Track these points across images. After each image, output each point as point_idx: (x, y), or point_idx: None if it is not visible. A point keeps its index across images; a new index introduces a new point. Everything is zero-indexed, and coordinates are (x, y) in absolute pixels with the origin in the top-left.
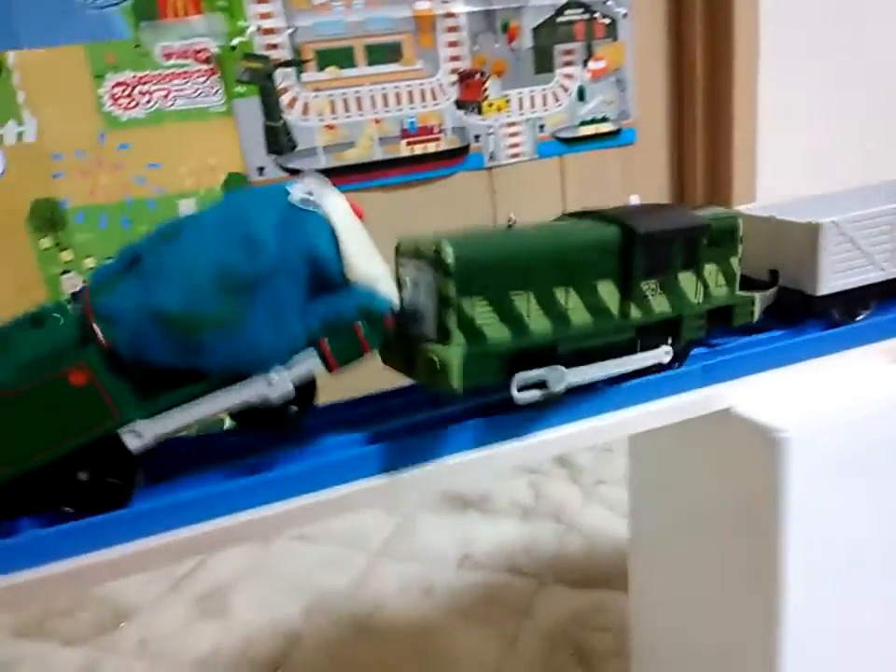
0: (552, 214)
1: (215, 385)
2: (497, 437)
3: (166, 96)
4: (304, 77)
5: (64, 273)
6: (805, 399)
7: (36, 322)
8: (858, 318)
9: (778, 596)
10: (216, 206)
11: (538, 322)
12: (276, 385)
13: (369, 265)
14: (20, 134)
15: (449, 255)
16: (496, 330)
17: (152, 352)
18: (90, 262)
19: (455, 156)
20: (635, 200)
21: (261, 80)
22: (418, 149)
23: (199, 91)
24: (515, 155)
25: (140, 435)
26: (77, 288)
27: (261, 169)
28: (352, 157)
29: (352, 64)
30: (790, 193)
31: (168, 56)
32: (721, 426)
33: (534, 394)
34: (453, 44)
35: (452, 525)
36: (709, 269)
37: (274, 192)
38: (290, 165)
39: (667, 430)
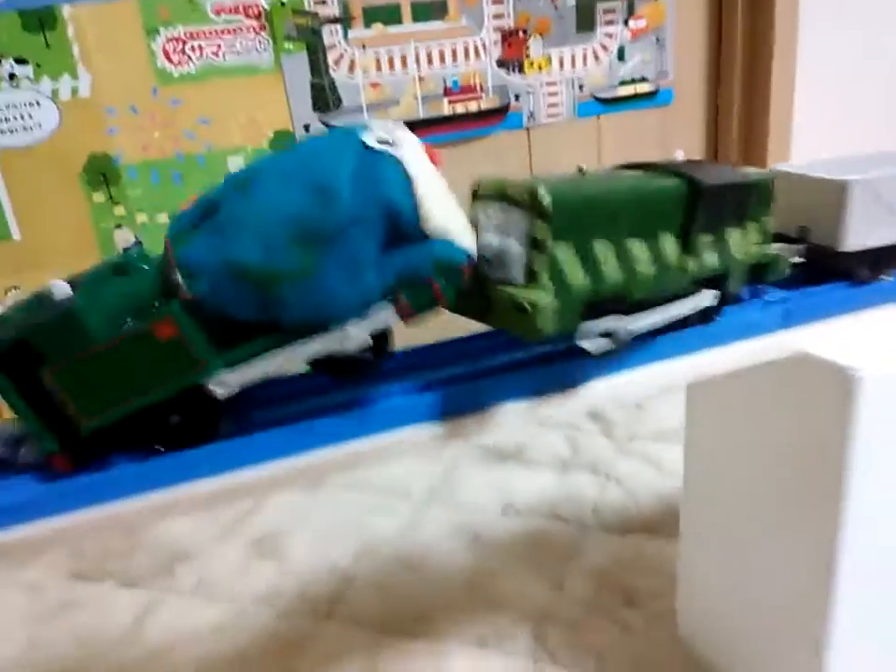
0: None
1: (293, 335)
2: (557, 385)
3: (217, 52)
4: (351, 33)
5: (117, 227)
6: (877, 344)
7: (120, 271)
8: (885, 277)
9: (838, 536)
10: (290, 152)
11: (612, 270)
12: (353, 336)
13: (446, 215)
14: (74, 89)
15: (546, 199)
16: (577, 276)
17: (232, 305)
18: (142, 217)
19: (496, 115)
20: (680, 155)
21: (309, 36)
22: (459, 108)
23: (248, 48)
24: (554, 115)
25: (226, 384)
26: (131, 242)
27: (307, 126)
28: (395, 115)
29: (398, 21)
30: (826, 153)
31: (219, 12)
32: (794, 369)
33: (602, 343)
34: (497, 1)
35: (492, 476)
36: (751, 227)
37: (349, 136)
38: (335, 123)
39: (731, 377)
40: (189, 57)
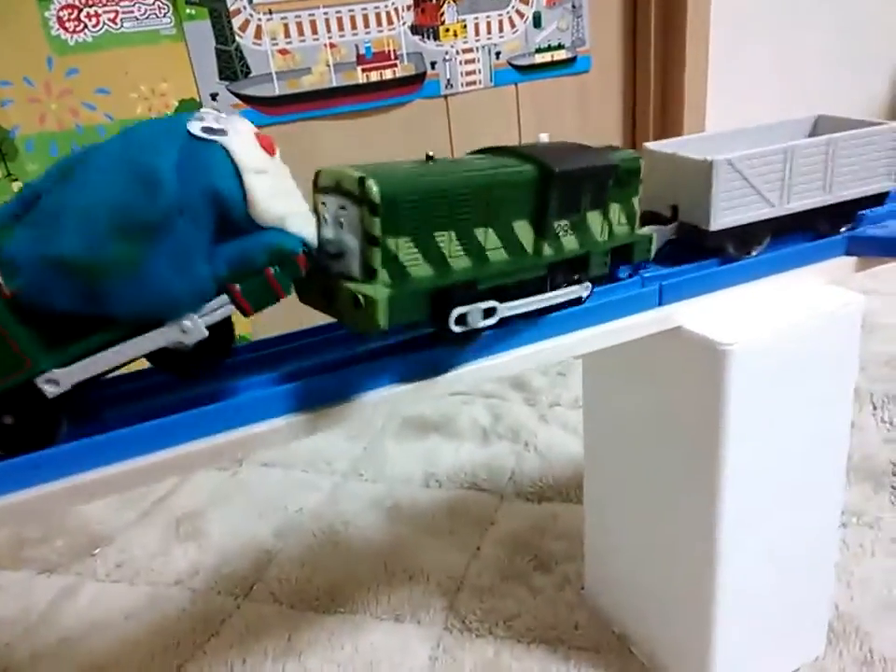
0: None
1: (128, 331)
2: (421, 372)
3: (114, 19)
4: None
5: None
6: (745, 318)
7: None
8: (752, 253)
9: (717, 496)
10: (113, 140)
11: (459, 261)
12: (189, 330)
13: (279, 202)
14: None
15: (375, 192)
16: (419, 269)
17: (56, 300)
18: None
19: (412, 83)
20: (544, 138)
21: (211, 1)
22: (374, 76)
23: (147, 13)
24: (472, 83)
25: (56, 382)
26: None
27: (214, 95)
28: (307, 84)
29: None
30: (739, 122)
31: None
32: (670, 343)
33: (466, 326)
34: None
35: (415, 448)
36: (613, 208)
37: (174, 124)
38: (244, 92)
39: (617, 350)
40: (85, 25)
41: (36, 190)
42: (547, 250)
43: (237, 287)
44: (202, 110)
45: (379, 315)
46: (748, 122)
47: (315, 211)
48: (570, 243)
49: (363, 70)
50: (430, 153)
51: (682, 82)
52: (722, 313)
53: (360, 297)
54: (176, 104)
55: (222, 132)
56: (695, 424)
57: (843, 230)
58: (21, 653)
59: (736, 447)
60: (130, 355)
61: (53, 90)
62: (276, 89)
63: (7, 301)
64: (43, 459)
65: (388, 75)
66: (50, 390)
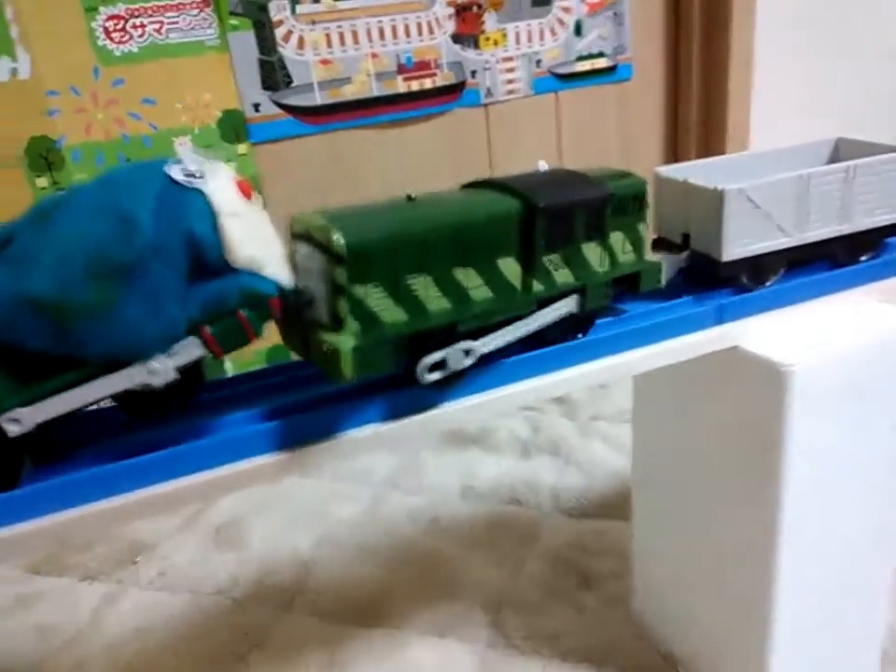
0: (546, 151)
1: (95, 371)
2: (403, 411)
3: (159, 30)
4: (299, 8)
5: None
6: (802, 338)
7: None
8: (766, 284)
9: (775, 519)
10: (93, 184)
11: (436, 303)
12: (158, 372)
13: (254, 247)
14: (13, 71)
15: (340, 242)
16: (391, 315)
17: (26, 339)
18: None
19: (452, 92)
20: (543, 166)
21: (255, 12)
22: (415, 85)
23: (193, 25)
24: (511, 91)
25: (18, 422)
26: None
27: (257, 106)
28: (348, 93)
29: None
30: (784, 136)
31: None
32: (727, 362)
33: (434, 375)
34: None
35: (453, 461)
36: (615, 237)
37: (154, 169)
38: (286, 102)
39: (672, 369)
40: (131, 35)
41: (9, 232)
42: (537, 286)
43: (208, 328)
44: (182, 154)
45: (345, 365)
46: (792, 137)
47: (290, 256)
48: (564, 276)
49: (404, 79)
50: (411, 193)
51: (726, 93)
52: (779, 333)
53: (326, 347)
54: (220, 114)
55: (201, 175)
56: (754, 444)
57: (863, 258)
58: (67, 660)
59: (796, 468)
60: (96, 395)
61: (100, 100)
62: (318, 98)
63: None
64: (5, 503)
65: (428, 84)
66: (13, 429)
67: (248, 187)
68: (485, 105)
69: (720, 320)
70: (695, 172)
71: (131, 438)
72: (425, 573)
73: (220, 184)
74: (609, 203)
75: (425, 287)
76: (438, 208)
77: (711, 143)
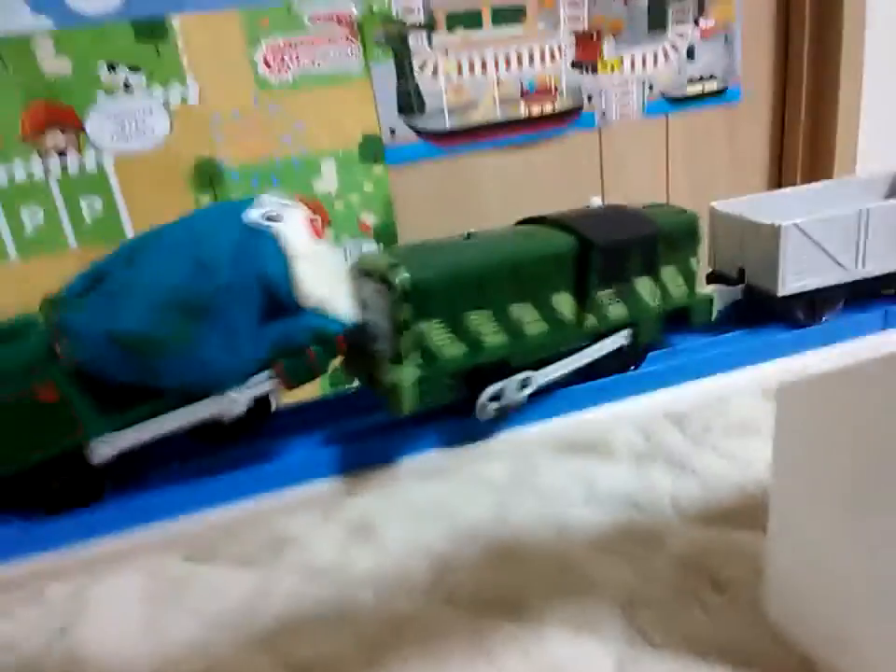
0: (655, 173)
1: (175, 401)
2: (458, 440)
3: (312, 60)
4: (435, 39)
5: None
6: None
7: (7, 337)
8: (823, 319)
9: None
10: (174, 225)
11: (493, 338)
12: (232, 405)
13: (323, 286)
14: (183, 97)
15: (403, 280)
16: (450, 349)
17: (113, 371)
18: None
19: (569, 115)
20: (596, 201)
21: (397, 43)
22: (535, 110)
23: (341, 55)
24: (625, 114)
25: (106, 447)
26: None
27: (393, 131)
28: (475, 117)
29: (479, 26)
30: (892, 161)
31: (315, 20)
32: (887, 372)
33: (490, 409)
34: (573, 4)
35: (570, 468)
36: (667, 271)
37: (231, 212)
38: (419, 126)
39: (823, 379)
40: (287, 65)
41: (102, 270)
42: (591, 321)
43: (280, 363)
44: (261, 196)
45: (404, 400)
46: None
47: (355, 294)
48: (617, 311)
49: (525, 103)
50: (470, 231)
51: (834, 117)
52: None
53: (388, 381)
54: (360, 138)
55: (277, 218)
56: None
57: None
58: (226, 644)
59: None
60: (177, 425)
61: (256, 124)
62: (447, 123)
63: (70, 369)
64: (88, 521)
65: (548, 108)
66: (98, 456)
67: (319, 227)
68: (599, 129)
69: (772, 356)
70: (752, 206)
71: (200, 462)
72: (557, 572)
73: (294, 226)
74: (662, 239)
75: (483, 323)
76: (496, 245)
77: (818, 166)
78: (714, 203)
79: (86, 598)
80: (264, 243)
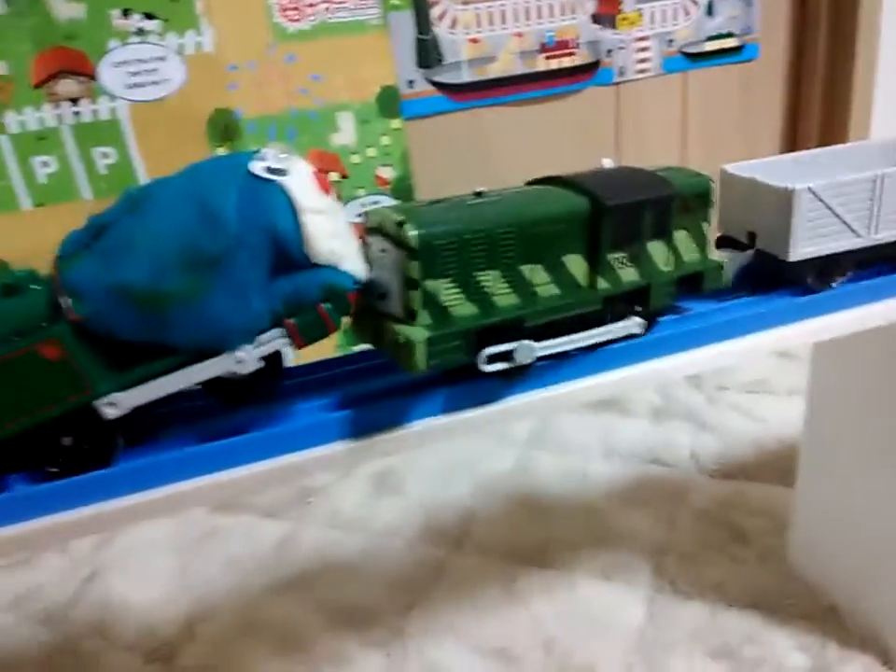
0: (671, 130)
1: (185, 359)
2: (468, 403)
3: (329, 9)
4: None
5: None
6: None
7: (11, 290)
8: (833, 285)
9: None
10: (179, 176)
11: (504, 298)
12: (244, 361)
13: (333, 242)
14: (198, 45)
15: (413, 236)
16: (462, 309)
17: (120, 327)
18: None
19: (587, 71)
20: (607, 163)
21: None
22: (554, 64)
23: (358, 4)
24: (643, 70)
25: (115, 405)
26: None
27: (411, 82)
28: (493, 71)
29: None
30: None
31: None
32: None
33: (499, 365)
34: None
35: (590, 423)
36: (680, 235)
37: (237, 163)
38: (437, 79)
39: (854, 339)
40: (304, 13)
41: (103, 221)
42: (602, 284)
43: (291, 320)
44: (264, 149)
45: (418, 357)
46: None
47: (364, 250)
48: (629, 275)
49: (545, 58)
50: (479, 189)
51: (850, 79)
52: None
53: (400, 338)
54: (378, 90)
55: (283, 171)
56: None
57: None
58: (259, 590)
59: None
60: (186, 382)
61: (273, 74)
62: (465, 76)
63: (74, 326)
64: (100, 480)
65: (567, 63)
66: (110, 413)
67: (327, 181)
68: (617, 84)
69: (781, 321)
70: (763, 170)
71: (212, 422)
72: (583, 523)
73: (300, 179)
74: (675, 202)
75: (493, 282)
76: (507, 204)
77: (833, 129)
78: (725, 166)
79: (113, 547)
80: (272, 195)
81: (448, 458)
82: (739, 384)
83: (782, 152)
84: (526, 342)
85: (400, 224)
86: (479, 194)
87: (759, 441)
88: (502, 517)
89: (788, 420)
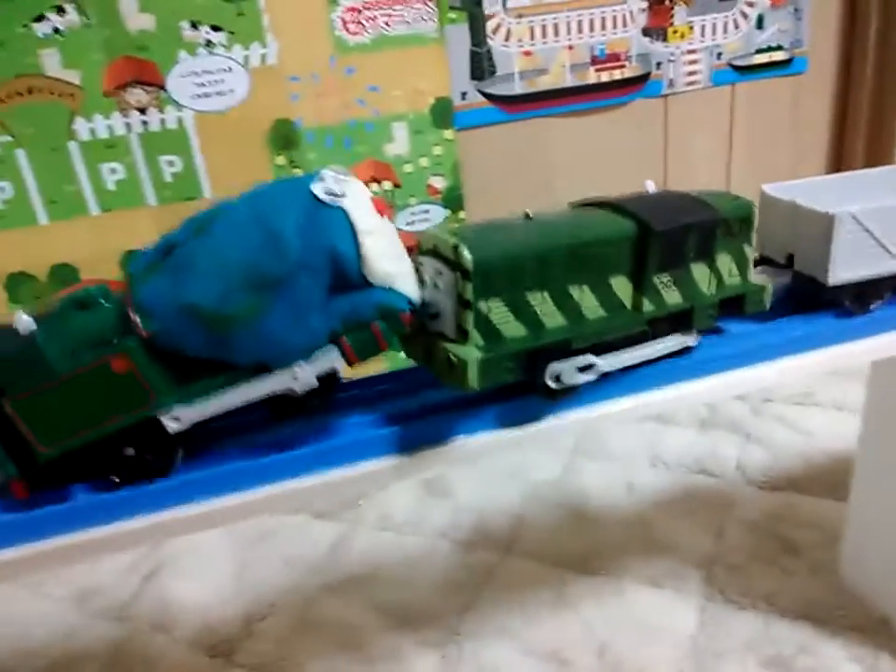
0: (718, 142)
1: (244, 375)
2: (515, 420)
3: (388, 22)
4: (509, 3)
5: None
6: None
7: (82, 306)
8: (871, 308)
9: None
10: (244, 200)
11: (553, 320)
12: (300, 378)
13: (389, 263)
14: (263, 57)
15: (468, 259)
16: (512, 330)
17: (186, 344)
18: None
19: (637, 83)
20: (650, 186)
21: (472, 6)
22: (604, 76)
23: (416, 18)
24: (692, 83)
25: (178, 419)
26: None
27: (464, 94)
28: (544, 83)
29: None
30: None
31: None
32: None
33: (552, 385)
34: None
35: (635, 432)
36: (723, 259)
37: (298, 187)
38: (489, 90)
39: None
40: (364, 27)
41: (172, 242)
42: (647, 305)
43: (346, 339)
44: (323, 171)
45: (471, 376)
46: None
47: (417, 271)
48: (673, 297)
49: (595, 70)
50: (528, 212)
51: None
52: None
53: (454, 358)
54: (433, 101)
55: (342, 195)
56: None
57: None
58: (313, 586)
59: None
60: (246, 399)
61: (333, 86)
62: (517, 87)
63: (143, 342)
64: (160, 491)
65: (617, 75)
66: (173, 426)
67: (382, 203)
68: (665, 96)
69: (822, 344)
70: (804, 191)
71: (264, 435)
72: (631, 531)
73: (359, 202)
74: (719, 226)
75: (542, 304)
76: (556, 227)
77: (880, 142)
78: (765, 187)
79: (171, 546)
80: (334, 219)
81: (495, 465)
82: (784, 396)
83: (828, 166)
84: (578, 359)
85: (455, 247)
86: (528, 217)
87: (806, 454)
88: (551, 523)
89: (835, 433)
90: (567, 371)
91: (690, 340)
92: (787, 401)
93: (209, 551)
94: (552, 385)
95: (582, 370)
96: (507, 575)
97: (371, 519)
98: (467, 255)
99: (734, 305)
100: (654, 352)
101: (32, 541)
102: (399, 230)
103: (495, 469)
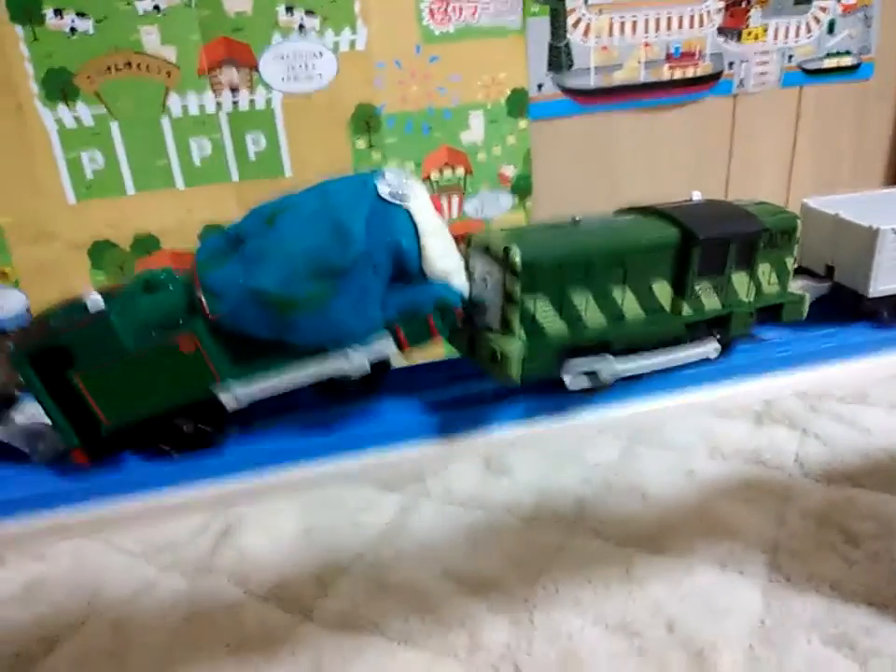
0: (784, 142)
1: (301, 357)
2: (549, 414)
3: (473, 13)
4: None
5: None
6: None
7: (149, 288)
8: None
9: None
10: (311, 193)
11: (594, 318)
12: (355, 362)
13: (445, 260)
14: (352, 42)
15: (517, 257)
16: (554, 326)
17: (250, 326)
18: (393, 164)
19: (709, 81)
20: (696, 196)
21: (554, 0)
22: (677, 73)
23: (501, 10)
24: (762, 83)
25: (237, 398)
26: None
27: (540, 86)
28: (618, 78)
29: None
30: None
31: None
32: None
33: (582, 380)
34: None
35: (690, 423)
36: (763, 268)
37: (364, 184)
38: (565, 84)
39: None
40: (450, 17)
41: (239, 232)
42: (686, 310)
43: (401, 328)
44: (385, 170)
45: (513, 368)
46: None
47: (466, 268)
48: (711, 303)
49: (669, 67)
50: (577, 217)
51: None
52: None
53: (497, 350)
54: (509, 92)
55: (406, 196)
56: None
57: None
58: (383, 552)
59: None
60: (301, 382)
61: (417, 73)
62: (592, 82)
63: (209, 323)
64: (210, 464)
65: (690, 73)
66: (231, 404)
67: (439, 202)
68: (734, 96)
69: (862, 353)
70: (846, 205)
71: (313, 415)
72: (693, 515)
73: (421, 203)
74: (761, 237)
75: (585, 304)
76: (602, 232)
77: None
78: (807, 199)
79: (243, 507)
80: (398, 215)
81: (550, 449)
82: (840, 394)
83: (887, 170)
84: (612, 360)
85: (506, 247)
86: (576, 221)
87: (864, 450)
88: (613, 505)
89: (892, 430)
90: (603, 368)
91: (711, 352)
92: (842, 399)
93: (276, 517)
94: (580, 380)
95: (614, 369)
96: (573, 551)
97: (437, 492)
98: (517, 257)
99: (771, 311)
100: (672, 360)
101: (112, 502)
102: (457, 219)
103: (552, 449)
